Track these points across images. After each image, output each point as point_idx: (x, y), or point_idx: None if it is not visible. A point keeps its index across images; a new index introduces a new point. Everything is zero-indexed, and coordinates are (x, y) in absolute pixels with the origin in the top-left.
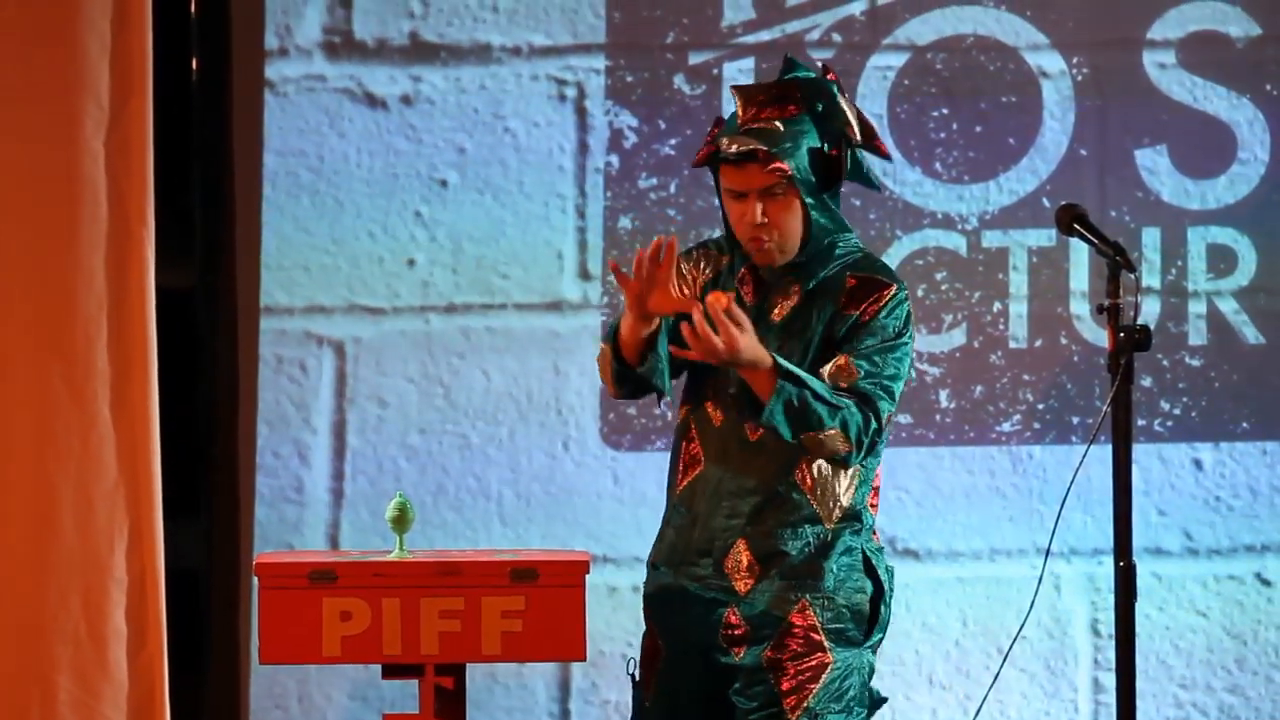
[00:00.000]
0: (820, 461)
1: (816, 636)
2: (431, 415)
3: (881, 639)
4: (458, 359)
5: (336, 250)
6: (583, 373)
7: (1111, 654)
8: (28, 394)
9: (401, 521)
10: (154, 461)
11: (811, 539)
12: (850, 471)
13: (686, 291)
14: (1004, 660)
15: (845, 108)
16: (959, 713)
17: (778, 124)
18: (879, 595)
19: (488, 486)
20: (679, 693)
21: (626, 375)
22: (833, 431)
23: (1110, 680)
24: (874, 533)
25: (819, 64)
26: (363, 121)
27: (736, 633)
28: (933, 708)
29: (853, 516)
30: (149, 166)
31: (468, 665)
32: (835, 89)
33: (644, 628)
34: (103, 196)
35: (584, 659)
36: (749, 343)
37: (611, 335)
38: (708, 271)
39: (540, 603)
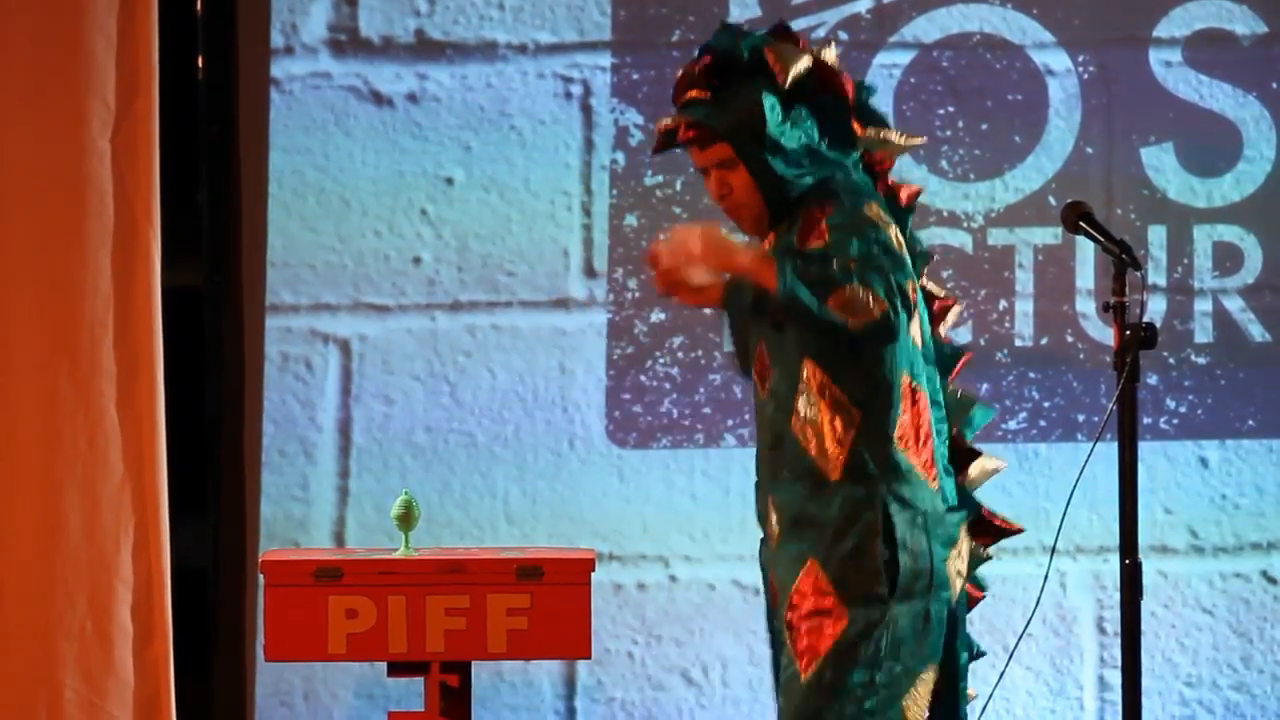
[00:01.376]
0: (807, 416)
1: (826, 595)
2: (437, 413)
3: (926, 589)
4: (464, 357)
5: (342, 248)
6: (588, 370)
7: (1117, 652)
8: (34, 392)
9: (407, 519)
10: (160, 460)
11: (812, 491)
12: (845, 419)
13: None
14: (1009, 658)
15: (780, 52)
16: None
17: (704, 91)
18: (894, 549)
19: (493, 484)
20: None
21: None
22: (853, 287)
23: (1116, 678)
24: (930, 479)
25: (777, 20)
26: (368, 119)
27: (775, 597)
28: None
29: (859, 466)
30: (155, 165)
31: (473, 663)
32: (755, 41)
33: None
34: (109, 195)
35: (589, 656)
36: (726, 247)
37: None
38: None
39: (546, 600)
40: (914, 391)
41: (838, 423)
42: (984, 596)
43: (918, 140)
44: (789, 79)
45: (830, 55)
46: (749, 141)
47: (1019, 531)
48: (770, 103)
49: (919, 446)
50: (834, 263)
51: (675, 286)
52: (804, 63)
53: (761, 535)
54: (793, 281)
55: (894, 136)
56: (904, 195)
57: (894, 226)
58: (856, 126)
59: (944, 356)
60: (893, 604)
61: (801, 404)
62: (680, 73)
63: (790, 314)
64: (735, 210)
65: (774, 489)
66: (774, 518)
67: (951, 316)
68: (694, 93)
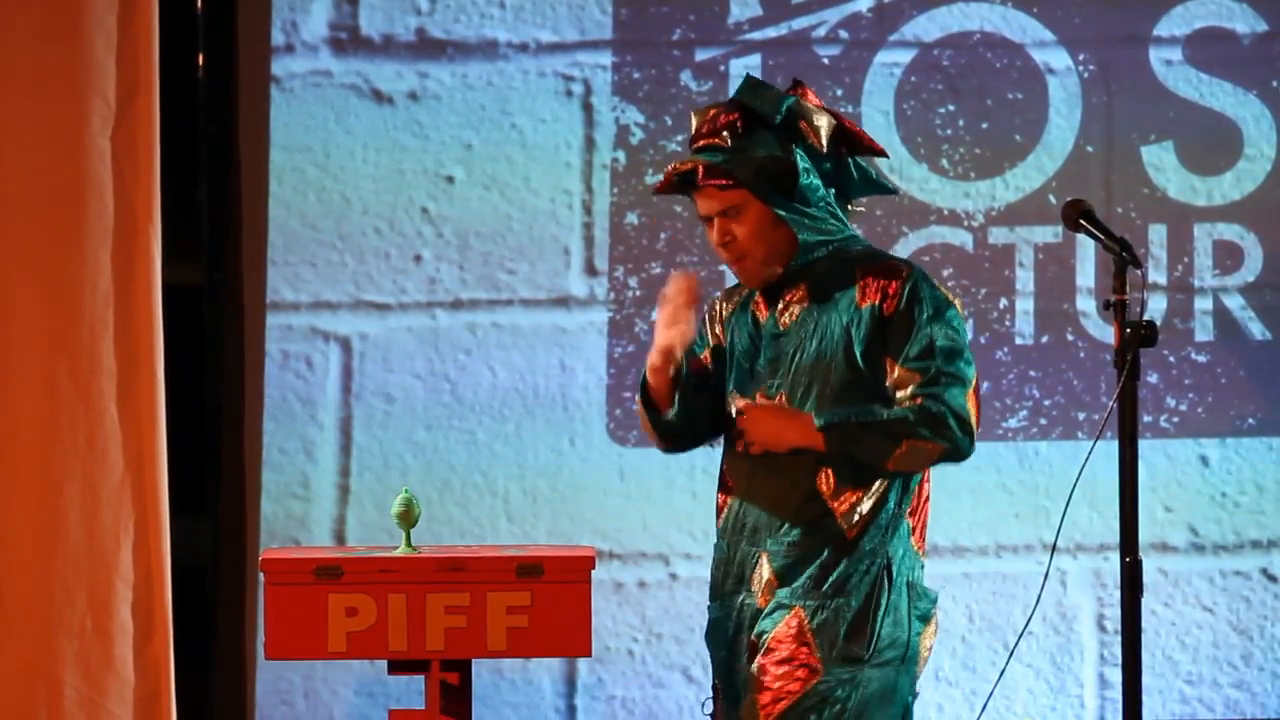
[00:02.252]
0: (832, 471)
1: (805, 645)
2: (438, 411)
3: (900, 658)
4: (464, 355)
5: (343, 246)
6: (589, 368)
7: (1117, 650)
8: (34, 390)
9: (407, 517)
10: (160, 457)
11: (822, 545)
12: (880, 481)
13: (718, 330)
14: (1010, 656)
15: (814, 118)
16: (965, 708)
17: (725, 139)
18: (879, 613)
19: (494, 482)
20: None
21: (665, 425)
22: (909, 445)
23: (1116, 676)
24: (919, 544)
25: (792, 80)
26: (369, 117)
27: (753, 646)
28: (939, 703)
29: (877, 531)
30: (155, 163)
31: (474, 661)
32: (794, 102)
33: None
34: (109, 193)
35: (590, 654)
36: (771, 423)
37: (641, 391)
38: (733, 303)
39: (546, 598)
40: None
41: (875, 486)
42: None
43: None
44: (824, 141)
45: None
46: (771, 191)
47: None
48: (801, 156)
49: (918, 516)
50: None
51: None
52: (829, 123)
53: (731, 585)
54: (837, 457)
55: (858, 209)
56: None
57: None
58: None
59: None
60: (865, 667)
61: (830, 460)
62: (703, 116)
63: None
64: (737, 259)
65: (771, 539)
66: (765, 568)
67: None
68: (717, 140)
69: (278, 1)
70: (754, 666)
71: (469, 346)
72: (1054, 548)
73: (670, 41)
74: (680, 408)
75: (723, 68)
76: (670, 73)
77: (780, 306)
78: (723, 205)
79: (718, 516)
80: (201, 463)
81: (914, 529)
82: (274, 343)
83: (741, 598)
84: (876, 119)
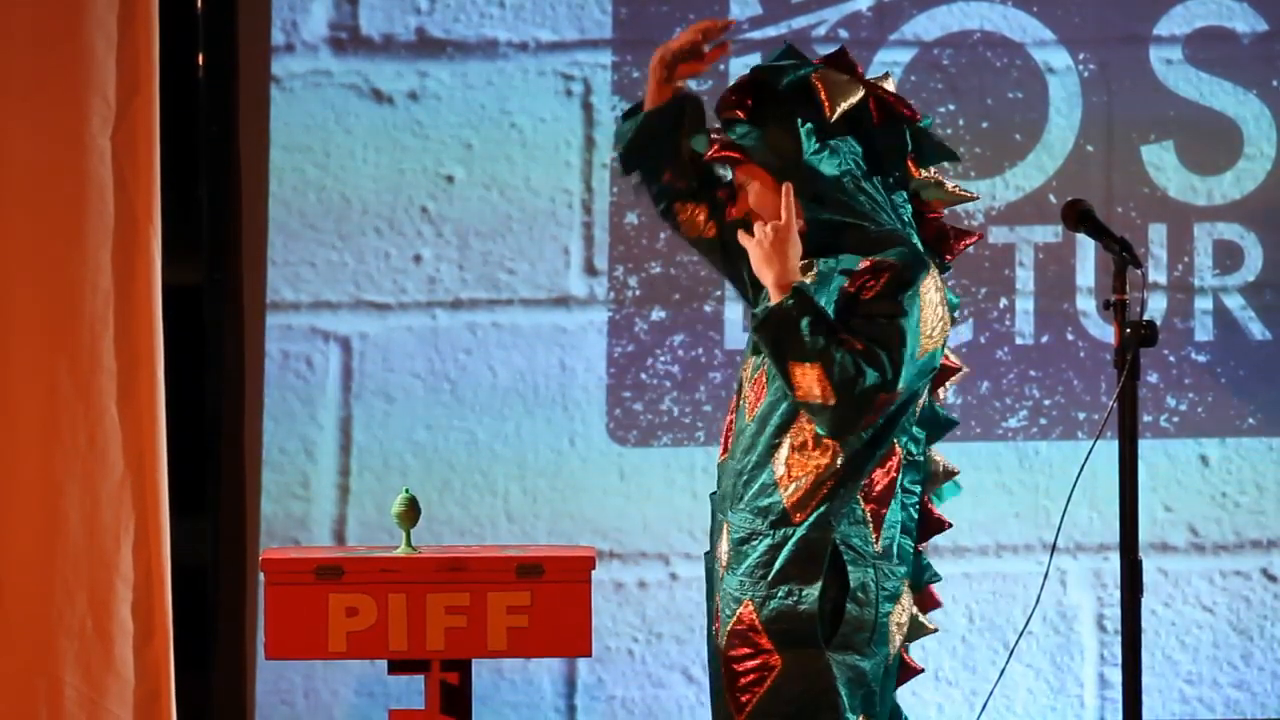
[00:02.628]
0: (792, 451)
1: (758, 637)
2: (438, 411)
3: (866, 641)
4: (464, 354)
5: (343, 246)
6: (589, 368)
7: (1118, 649)
8: (34, 390)
9: (407, 517)
10: (160, 457)
11: (771, 531)
12: (828, 463)
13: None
14: (1010, 656)
15: (832, 85)
16: (965, 708)
17: (739, 112)
18: (842, 596)
19: (494, 482)
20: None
21: (642, 145)
22: (809, 367)
23: (1116, 676)
24: (874, 532)
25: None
26: (369, 117)
27: (719, 614)
28: (939, 703)
29: (824, 514)
30: (155, 163)
31: (474, 661)
32: (804, 74)
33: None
34: (109, 193)
35: (590, 654)
36: (783, 254)
37: (634, 109)
38: None
39: (546, 598)
40: (894, 450)
41: (823, 468)
42: (922, 670)
43: (968, 196)
44: (836, 113)
45: (890, 86)
46: (778, 166)
47: (938, 605)
48: (806, 130)
49: (878, 502)
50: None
51: (778, 247)
52: (856, 96)
53: (709, 548)
54: (768, 317)
55: (947, 185)
56: (955, 245)
57: (943, 290)
58: (911, 166)
59: (936, 419)
60: (827, 652)
61: (788, 438)
62: (724, 93)
63: (778, 333)
64: (754, 216)
65: (732, 513)
66: (724, 543)
67: (955, 379)
68: (734, 111)
69: (277, 1)
70: (719, 641)
71: (469, 346)
72: (1054, 547)
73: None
74: (655, 124)
75: (722, 67)
76: None
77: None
78: (740, 177)
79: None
80: (201, 462)
81: (870, 516)
82: (274, 342)
83: (715, 557)
84: None
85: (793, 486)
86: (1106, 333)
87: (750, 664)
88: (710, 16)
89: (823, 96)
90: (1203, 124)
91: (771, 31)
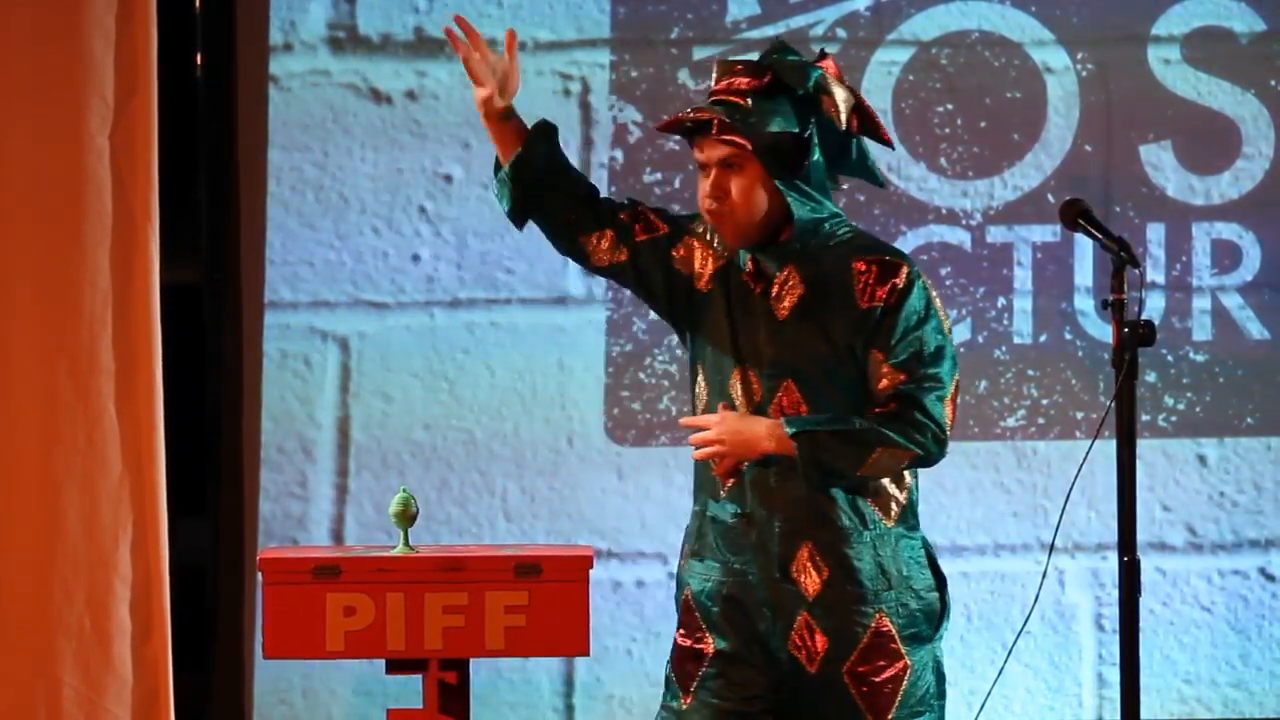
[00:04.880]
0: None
1: (894, 645)
2: (436, 410)
3: (947, 626)
4: (462, 354)
5: (341, 245)
6: (587, 367)
7: (1115, 649)
8: (33, 390)
9: (405, 516)
10: (159, 457)
11: (874, 541)
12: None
13: (695, 258)
14: (1008, 655)
15: (837, 93)
16: (964, 708)
17: (746, 99)
18: (943, 586)
19: (492, 482)
20: (732, 690)
21: (526, 196)
22: (880, 451)
23: (1114, 675)
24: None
25: (818, 50)
26: (367, 117)
27: (811, 644)
28: None
29: (909, 511)
30: (154, 162)
31: (471, 660)
32: (820, 75)
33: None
34: (108, 192)
35: (588, 654)
36: (741, 440)
37: (496, 165)
38: (719, 255)
39: (544, 598)
40: None
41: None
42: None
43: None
44: (843, 120)
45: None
46: (777, 164)
47: None
48: (814, 131)
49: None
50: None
51: (737, 446)
52: (850, 101)
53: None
54: (811, 473)
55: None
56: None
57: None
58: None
59: None
60: (937, 642)
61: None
62: (728, 69)
63: (832, 468)
64: (721, 215)
65: (817, 537)
66: (810, 563)
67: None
68: (738, 99)
69: (276, 1)
70: (840, 669)
71: (467, 346)
72: (1052, 547)
73: (668, 40)
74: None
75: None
76: (668, 71)
77: (775, 291)
78: (725, 156)
79: (723, 477)
80: (200, 462)
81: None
82: (272, 342)
83: (773, 575)
84: None
85: (877, 495)
86: (1105, 332)
87: (887, 673)
88: (704, 15)
89: (831, 107)
90: (1201, 123)
91: (769, 31)
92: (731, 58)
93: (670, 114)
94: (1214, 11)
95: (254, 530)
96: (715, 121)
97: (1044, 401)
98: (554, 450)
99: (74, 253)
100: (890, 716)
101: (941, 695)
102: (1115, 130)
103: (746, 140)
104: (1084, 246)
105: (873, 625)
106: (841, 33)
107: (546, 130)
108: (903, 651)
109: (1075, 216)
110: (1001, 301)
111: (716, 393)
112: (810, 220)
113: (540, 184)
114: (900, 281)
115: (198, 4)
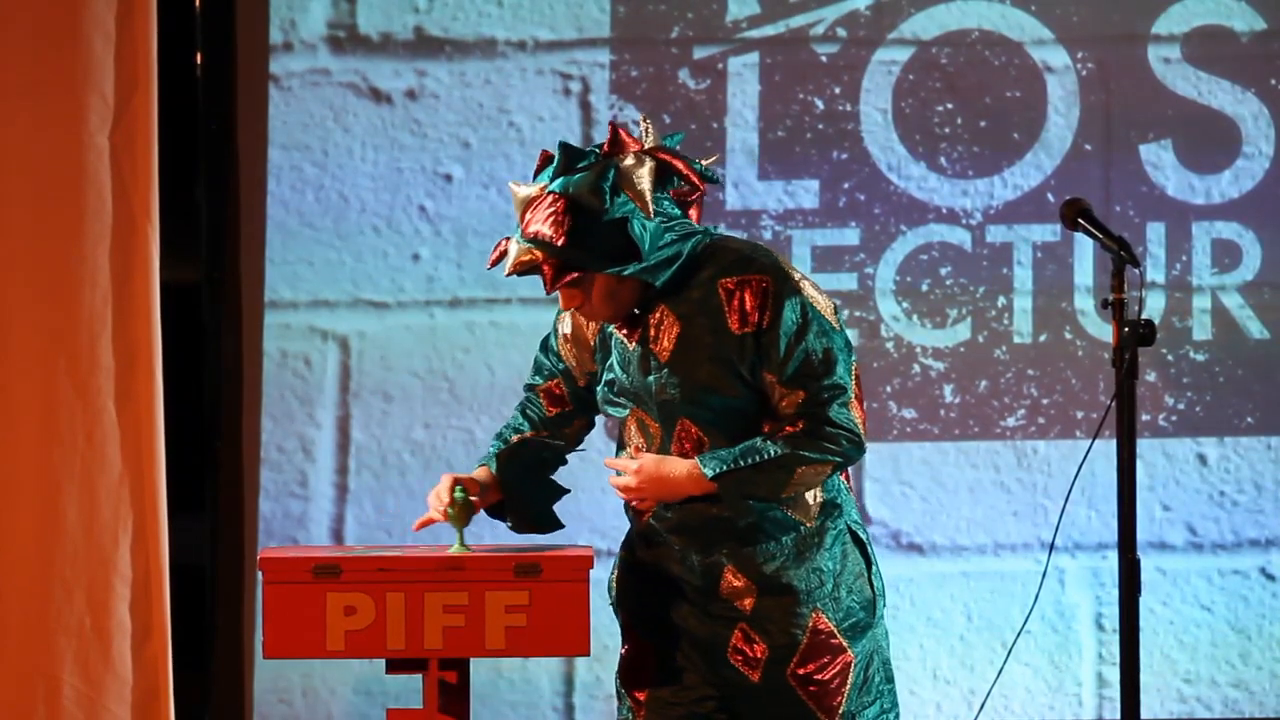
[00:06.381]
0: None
1: (835, 640)
2: (436, 409)
3: (884, 606)
4: (462, 353)
5: (341, 245)
6: None
7: (1116, 648)
8: (32, 389)
9: (461, 517)
10: (158, 456)
11: (797, 545)
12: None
13: (584, 355)
14: (1008, 655)
15: (634, 177)
16: (963, 707)
17: (559, 236)
18: (870, 567)
19: None
20: (681, 694)
21: (530, 515)
22: (801, 471)
23: (1114, 675)
24: (850, 503)
25: (610, 125)
26: (367, 116)
27: (750, 652)
28: (937, 702)
29: (829, 504)
30: (154, 161)
31: (472, 660)
32: (614, 172)
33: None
34: (107, 191)
35: (588, 653)
36: (661, 487)
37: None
38: (590, 330)
39: (544, 597)
40: None
41: None
42: None
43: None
44: (650, 204)
45: (651, 141)
46: (615, 260)
47: None
48: (638, 227)
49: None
50: (773, 451)
51: (654, 486)
52: (648, 176)
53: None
54: (739, 506)
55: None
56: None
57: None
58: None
59: None
60: (877, 627)
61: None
62: (526, 205)
63: (750, 498)
64: (586, 314)
65: (735, 556)
66: (738, 582)
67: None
68: (548, 237)
69: (276, 0)
70: (783, 674)
71: (467, 345)
72: (1052, 546)
73: (668, 39)
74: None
75: (721, 65)
76: (668, 71)
77: (652, 334)
78: (567, 283)
79: (636, 516)
80: (200, 461)
81: (847, 491)
82: (272, 341)
83: (704, 598)
84: (874, 117)
85: (795, 502)
86: (1105, 331)
87: (833, 670)
88: (704, 15)
89: (631, 194)
90: (1201, 123)
91: (769, 30)
92: (523, 192)
93: (670, 113)
94: (1214, 10)
95: (254, 529)
96: (547, 274)
97: (1044, 401)
98: None
99: (74, 251)
100: (841, 712)
101: (889, 679)
102: (1115, 129)
103: (578, 273)
104: (1084, 246)
105: (810, 624)
106: (841, 32)
107: (501, 461)
108: (845, 645)
109: (1075, 216)
110: (1001, 301)
111: (621, 441)
112: (668, 273)
113: (535, 497)
114: (770, 296)
115: (198, 4)
